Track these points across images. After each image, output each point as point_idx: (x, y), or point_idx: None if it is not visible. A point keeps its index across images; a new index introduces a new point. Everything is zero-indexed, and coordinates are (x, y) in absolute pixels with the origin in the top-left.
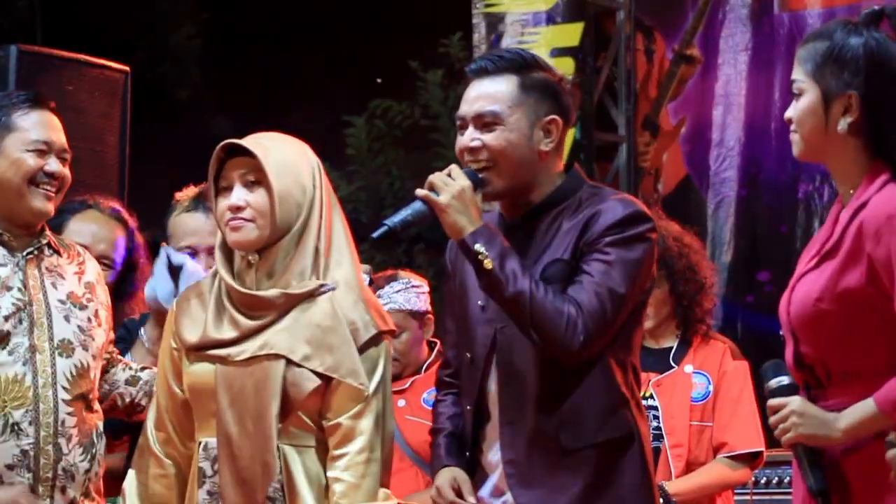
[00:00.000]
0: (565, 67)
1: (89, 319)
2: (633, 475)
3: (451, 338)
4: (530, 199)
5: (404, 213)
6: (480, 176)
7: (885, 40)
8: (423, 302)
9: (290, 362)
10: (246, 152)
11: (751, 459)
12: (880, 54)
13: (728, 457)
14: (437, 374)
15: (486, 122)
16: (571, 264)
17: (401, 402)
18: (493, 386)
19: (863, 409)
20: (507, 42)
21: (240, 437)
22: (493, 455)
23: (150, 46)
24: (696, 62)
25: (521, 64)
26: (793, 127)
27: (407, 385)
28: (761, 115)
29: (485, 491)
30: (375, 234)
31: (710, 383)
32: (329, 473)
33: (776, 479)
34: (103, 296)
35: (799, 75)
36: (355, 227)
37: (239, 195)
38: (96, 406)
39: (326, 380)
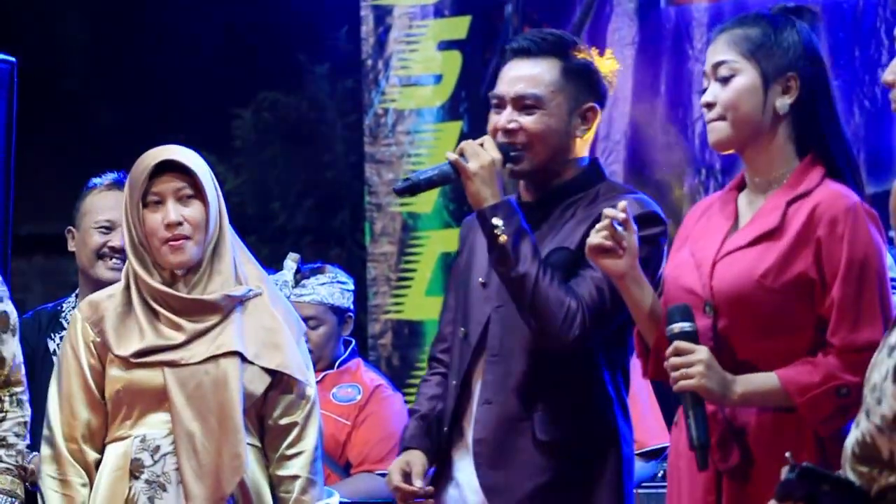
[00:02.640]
0: (452, 60)
1: None
2: (608, 477)
3: (449, 314)
4: (552, 183)
5: (430, 172)
6: (513, 154)
7: (810, 30)
8: (346, 299)
9: (244, 360)
10: (176, 168)
11: (658, 454)
12: (812, 41)
13: (639, 454)
14: (431, 350)
15: (526, 104)
16: (576, 255)
17: None
18: (481, 364)
19: (764, 381)
20: (395, 35)
21: (203, 433)
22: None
23: (37, 36)
24: None
25: (564, 47)
26: (717, 111)
27: (318, 379)
28: (647, 110)
29: (464, 468)
30: (398, 187)
31: None
32: (282, 472)
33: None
34: None
35: (731, 56)
36: (242, 221)
37: (177, 211)
38: None
39: (274, 378)
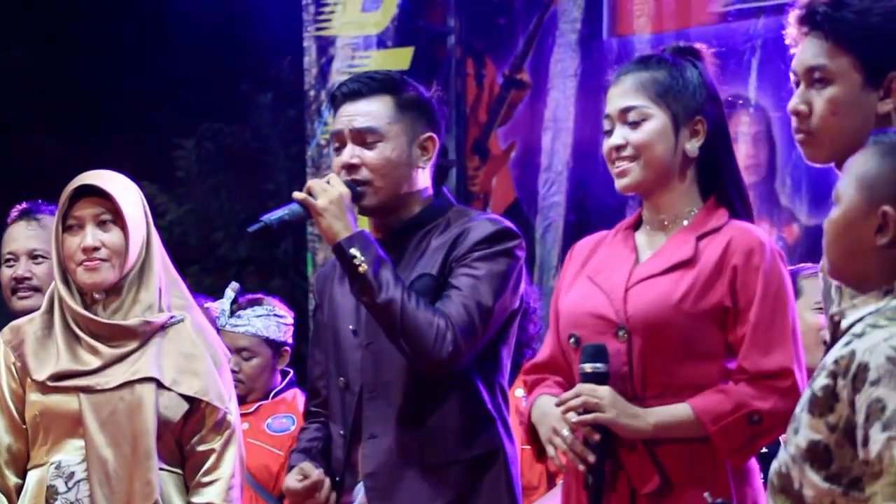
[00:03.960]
0: None
1: None
2: (494, 492)
3: (319, 369)
4: (401, 217)
5: (281, 213)
6: (357, 189)
7: (707, 71)
8: (282, 332)
9: (161, 386)
10: (97, 192)
11: None
12: (713, 83)
13: None
14: (305, 406)
15: (365, 139)
16: (439, 280)
17: (244, 426)
18: (364, 405)
19: (677, 411)
20: (338, 66)
21: (116, 460)
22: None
23: None
24: (525, 87)
25: (393, 84)
26: (629, 152)
27: (252, 409)
28: (589, 140)
29: None
30: (251, 229)
31: None
32: (197, 499)
33: None
34: None
35: (640, 101)
36: (184, 251)
37: (94, 235)
38: None
39: (192, 404)
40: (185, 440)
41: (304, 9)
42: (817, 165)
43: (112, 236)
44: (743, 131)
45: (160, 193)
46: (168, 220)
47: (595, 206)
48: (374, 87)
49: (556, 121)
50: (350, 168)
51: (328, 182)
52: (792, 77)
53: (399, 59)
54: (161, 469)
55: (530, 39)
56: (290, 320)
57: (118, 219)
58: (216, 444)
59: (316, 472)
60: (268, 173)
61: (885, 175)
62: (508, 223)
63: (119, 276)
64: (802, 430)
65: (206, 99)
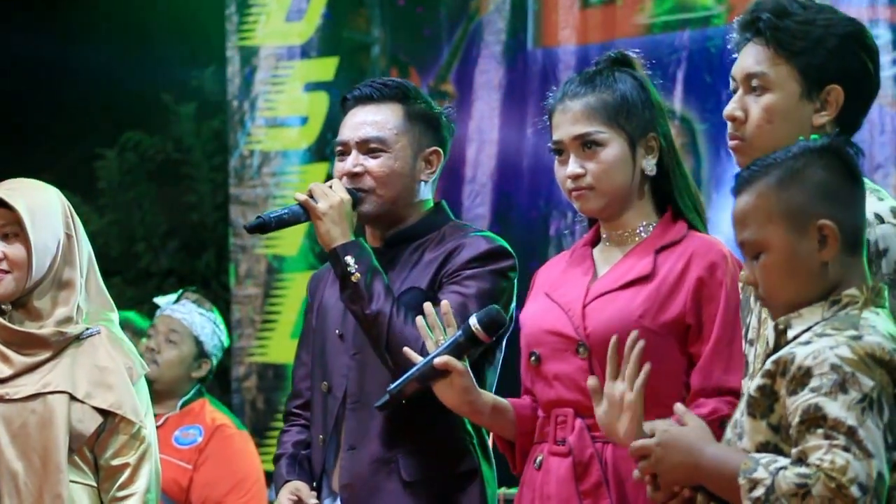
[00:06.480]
0: (319, 102)
1: None
2: None
3: (304, 370)
4: (397, 227)
5: (281, 212)
6: (359, 195)
7: (647, 78)
8: (212, 343)
9: (73, 399)
10: (2, 204)
11: None
12: (658, 95)
13: None
14: (287, 406)
15: (370, 147)
16: (428, 294)
17: None
18: (346, 415)
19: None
20: (261, 76)
21: (26, 473)
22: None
23: None
24: (450, 98)
25: (405, 94)
26: (587, 182)
27: (160, 423)
28: (513, 152)
29: None
30: (249, 225)
31: None
32: None
33: None
34: None
35: (594, 126)
36: (105, 262)
37: None
38: None
39: (106, 418)
40: (99, 454)
41: (227, 19)
42: None
43: (14, 249)
44: None
45: (82, 204)
46: (90, 231)
47: (519, 218)
48: (386, 93)
49: (480, 132)
50: (353, 176)
51: (331, 187)
52: (731, 83)
53: (323, 69)
54: (75, 482)
55: (455, 50)
56: (225, 339)
57: (22, 232)
58: (131, 458)
59: (313, 501)
60: (190, 184)
61: (797, 198)
62: (503, 242)
63: (22, 289)
64: (746, 436)
65: (129, 109)
